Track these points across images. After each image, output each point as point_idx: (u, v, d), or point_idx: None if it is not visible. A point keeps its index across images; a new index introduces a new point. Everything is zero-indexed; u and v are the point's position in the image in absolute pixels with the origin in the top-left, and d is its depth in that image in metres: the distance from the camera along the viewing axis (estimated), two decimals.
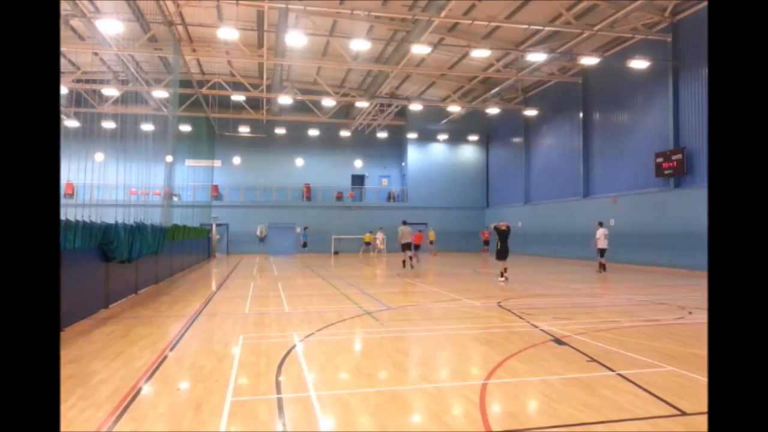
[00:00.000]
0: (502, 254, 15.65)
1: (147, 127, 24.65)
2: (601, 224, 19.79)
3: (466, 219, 37.27)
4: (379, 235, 31.95)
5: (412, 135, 36.92)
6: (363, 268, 22.12)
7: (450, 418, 4.33)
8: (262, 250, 34.03)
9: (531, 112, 30.53)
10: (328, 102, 29.33)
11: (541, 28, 20.81)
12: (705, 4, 18.65)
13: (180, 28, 22.81)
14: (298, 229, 34.56)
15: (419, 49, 21.08)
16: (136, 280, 12.66)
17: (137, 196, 21.55)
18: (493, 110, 31.43)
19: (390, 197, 38.30)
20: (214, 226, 32.75)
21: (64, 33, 21.47)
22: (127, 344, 7.07)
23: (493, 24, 19.93)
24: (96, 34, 20.01)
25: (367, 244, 32.84)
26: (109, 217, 10.88)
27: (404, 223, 20.09)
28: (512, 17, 20.97)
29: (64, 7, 17.68)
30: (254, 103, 32.95)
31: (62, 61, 25.63)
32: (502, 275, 15.42)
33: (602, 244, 19.12)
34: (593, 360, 6.16)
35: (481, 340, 7.48)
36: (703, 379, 5.30)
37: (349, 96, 30.78)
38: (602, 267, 19.10)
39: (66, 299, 7.68)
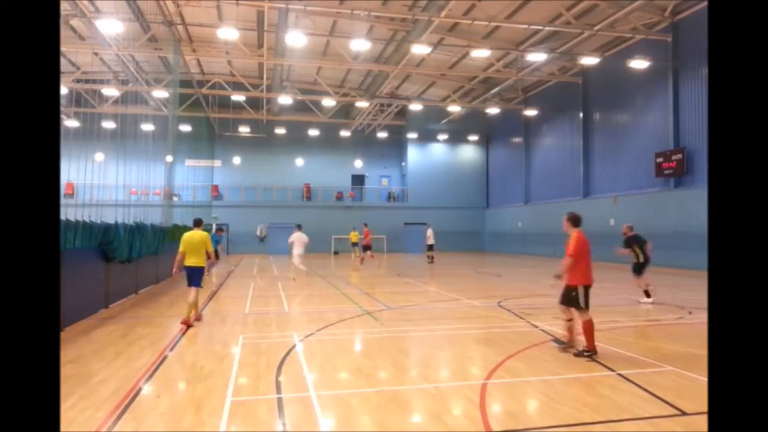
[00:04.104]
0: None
1: (147, 127, 24.65)
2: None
3: (466, 219, 37.31)
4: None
5: (412, 135, 36.92)
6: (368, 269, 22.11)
7: (450, 418, 4.33)
8: (262, 250, 34.00)
9: (531, 112, 30.51)
10: (328, 102, 29.31)
11: (541, 28, 20.81)
12: (705, 4, 18.64)
13: (180, 28, 22.80)
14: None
15: (419, 49, 21.08)
16: (136, 280, 12.65)
17: (137, 196, 21.56)
18: (493, 110, 31.41)
19: (390, 197, 38.30)
20: (214, 226, 32.70)
21: (64, 33, 21.47)
22: (127, 344, 7.07)
23: (493, 24, 19.93)
24: (96, 34, 20.01)
25: (354, 244, 31.10)
26: (109, 217, 10.90)
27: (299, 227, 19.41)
28: (512, 17, 20.97)
29: (64, 7, 17.67)
30: (254, 103, 32.93)
31: (62, 61, 25.63)
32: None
33: (431, 240, 24.33)
34: (593, 360, 6.16)
35: (481, 340, 7.48)
36: (703, 379, 5.29)
37: (349, 96, 30.76)
38: (431, 258, 24.11)
39: (66, 299, 7.67)
